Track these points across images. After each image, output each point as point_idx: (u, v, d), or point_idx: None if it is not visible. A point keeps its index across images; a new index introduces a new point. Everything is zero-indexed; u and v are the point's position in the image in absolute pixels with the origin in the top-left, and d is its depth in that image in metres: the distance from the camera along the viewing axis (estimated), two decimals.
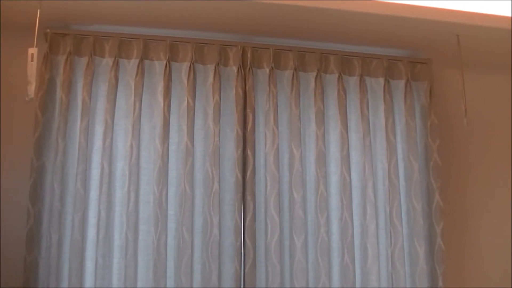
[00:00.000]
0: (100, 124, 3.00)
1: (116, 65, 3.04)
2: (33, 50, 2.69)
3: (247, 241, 3.00)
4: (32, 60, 2.70)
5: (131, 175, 2.92)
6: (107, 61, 3.08)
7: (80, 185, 2.85)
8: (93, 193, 2.94)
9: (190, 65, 3.13)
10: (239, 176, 3.05)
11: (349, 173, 3.20)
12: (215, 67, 3.16)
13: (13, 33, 3.09)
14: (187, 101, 3.07)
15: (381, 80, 3.41)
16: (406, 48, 3.51)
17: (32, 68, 2.66)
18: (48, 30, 3.03)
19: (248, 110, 3.16)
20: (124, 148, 3.00)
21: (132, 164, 2.92)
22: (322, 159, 3.17)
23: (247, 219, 3.03)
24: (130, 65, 3.10)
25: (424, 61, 3.50)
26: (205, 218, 3.01)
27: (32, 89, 2.63)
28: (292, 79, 3.25)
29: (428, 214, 3.32)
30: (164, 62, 3.11)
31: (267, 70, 3.26)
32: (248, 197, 3.05)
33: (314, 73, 3.31)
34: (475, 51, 3.48)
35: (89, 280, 2.87)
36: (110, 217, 2.90)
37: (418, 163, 3.32)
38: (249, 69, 3.21)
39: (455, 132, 3.65)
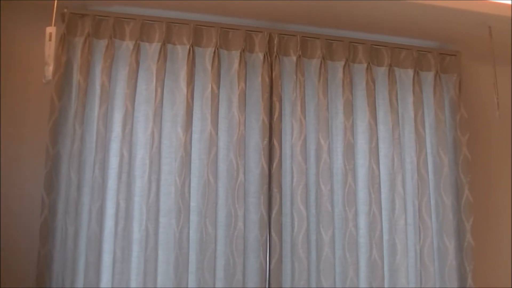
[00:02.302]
0: (120, 110, 2.80)
1: (137, 49, 2.83)
2: (51, 29, 2.48)
3: (273, 235, 2.81)
4: (50, 40, 2.48)
5: (152, 165, 2.73)
6: (128, 44, 2.87)
7: (98, 174, 2.65)
8: (112, 183, 2.74)
9: (215, 50, 2.93)
10: (265, 167, 2.86)
11: (378, 166, 3.02)
12: (240, 53, 2.96)
13: (30, 13, 2.88)
14: (211, 88, 2.87)
15: (410, 72, 3.25)
16: (436, 39, 3.35)
17: (50, 48, 2.44)
18: (66, 10, 2.81)
19: (274, 98, 2.96)
20: (145, 136, 2.81)
21: (153, 153, 2.73)
22: (350, 151, 3.00)
23: (273, 212, 2.84)
24: (151, 49, 2.90)
25: (453, 53, 3.34)
26: (229, 210, 2.82)
27: (50, 70, 2.43)
28: (320, 68, 3.07)
29: (457, 209, 3.16)
30: (188, 47, 2.91)
31: (294, 58, 3.07)
32: (275, 189, 2.86)
33: (342, 62, 3.13)
34: (507, 43, 3.30)
35: (106, 274, 2.67)
36: (129, 208, 2.70)
37: (448, 157, 3.16)
38: (276, 56, 3.02)
39: (485, 126, 3.50)
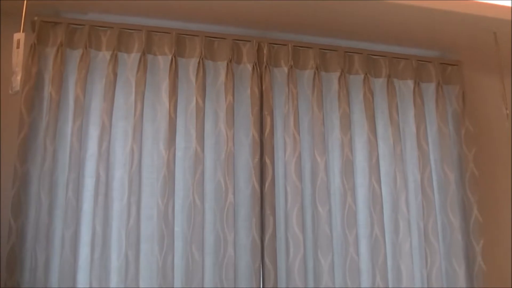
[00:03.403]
0: (96, 126, 2.64)
1: (115, 59, 2.68)
2: (19, 36, 2.33)
3: (267, 262, 2.63)
4: (18, 47, 2.33)
5: (131, 185, 2.55)
6: (104, 54, 2.73)
7: (71, 195, 2.48)
8: (87, 206, 2.56)
9: (199, 61, 2.80)
10: (257, 187, 2.70)
11: (379, 185, 2.88)
12: (227, 64, 2.83)
13: None
14: (196, 101, 2.73)
15: (410, 83, 3.14)
16: (436, 48, 3.26)
17: (18, 56, 2.28)
18: (36, 18, 2.66)
19: (265, 112, 2.82)
20: (124, 154, 2.65)
21: (132, 173, 2.56)
22: (349, 169, 2.85)
23: (267, 236, 2.67)
24: (130, 60, 2.76)
25: (455, 63, 3.24)
26: (218, 235, 2.65)
27: (18, 80, 2.26)
28: (314, 79, 2.95)
29: (465, 231, 3.02)
30: (170, 57, 2.77)
31: (286, 69, 2.95)
32: (267, 211, 2.70)
33: (337, 73, 3.01)
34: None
35: None
36: (106, 234, 2.52)
37: (454, 174, 3.03)
38: (266, 67, 2.89)
39: (492, 140, 3.38)
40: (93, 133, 2.65)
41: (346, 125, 2.93)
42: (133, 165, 2.59)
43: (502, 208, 3.33)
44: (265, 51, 2.93)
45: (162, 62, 2.81)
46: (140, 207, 2.59)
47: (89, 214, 2.56)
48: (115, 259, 2.56)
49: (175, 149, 2.67)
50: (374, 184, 2.89)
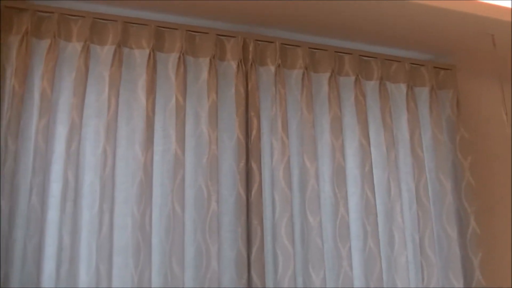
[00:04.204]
0: (64, 124, 2.42)
1: (87, 52, 2.47)
2: None
3: (254, 277, 2.45)
4: None
5: (104, 191, 2.34)
6: (75, 46, 2.51)
7: (35, 202, 2.24)
8: (53, 214, 2.32)
9: (180, 56, 2.61)
10: (242, 194, 2.52)
11: (373, 194, 2.73)
12: (210, 61, 2.65)
13: None
14: (176, 99, 2.54)
15: (403, 86, 3.04)
16: (430, 51, 3.16)
17: None
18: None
19: (251, 113, 2.65)
20: (95, 156, 2.43)
21: (105, 177, 2.35)
22: (341, 176, 2.71)
23: (254, 249, 2.48)
24: (104, 53, 2.55)
25: (448, 67, 3.15)
26: (199, 247, 2.46)
27: None
28: (303, 80, 2.80)
29: (462, 243, 2.90)
30: (147, 51, 2.58)
31: (272, 68, 2.79)
32: (254, 221, 2.51)
33: (327, 74, 2.87)
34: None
35: None
36: (75, 245, 2.29)
37: (450, 183, 2.92)
38: (252, 64, 2.72)
39: (488, 148, 3.28)
40: (61, 132, 2.42)
41: (338, 129, 2.78)
42: (105, 168, 2.37)
43: (500, 219, 3.24)
44: (251, 48, 2.76)
45: (139, 56, 2.62)
46: (113, 216, 2.37)
47: (55, 223, 2.33)
48: (84, 274, 2.33)
49: (152, 151, 2.46)
50: (368, 192, 2.74)
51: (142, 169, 2.43)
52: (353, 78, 2.94)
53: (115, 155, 2.43)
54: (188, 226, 2.50)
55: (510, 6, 2.72)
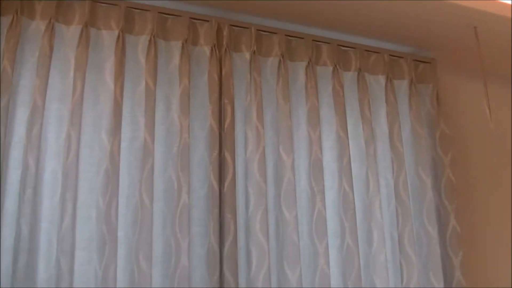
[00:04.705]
0: (25, 106, 2.27)
1: (51, 31, 2.34)
2: None
3: (227, 274, 2.35)
4: None
5: (66, 180, 2.20)
6: (38, 24, 2.38)
7: None
8: (11, 203, 2.17)
9: (150, 38, 2.50)
10: (215, 186, 2.41)
11: (351, 189, 2.66)
12: (182, 45, 2.55)
13: None
14: (146, 83, 2.43)
15: (381, 78, 2.98)
16: (409, 42, 3.10)
17: None
18: None
19: (225, 100, 2.55)
20: (58, 142, 2.29)
21: (68, 164, 2.21)
22: (318, 169, 2.62)
23: (226, 244, 2.38)
24: (69, 33, 2.42)
25: (428, 60, 3.11)
26: (168, 242, 2.34)
27: None
28: (279, 68, 2.72)
29: (442, 242, 2.85)
30: (116, 33, 2.46)
31: (247, 55, 2.70)
32: (228, 215, 2.41)
33: (304, 63, 2.80)
34: (496, 48, 3.08)
35: None
36: (34, 238, 2.15)
37: (431, 179, 2.87)
38: (226, 50, 2.63)
39: (469, 144, 3.26)
40: (22, 115, 2.27)
41: (315, 120, 2.70)
42: (69, 155, 2.23)
43: (481, 216, 3.21)
44: (225, 33, 2.67)
45: (107, 37, 2.50)
46: (76, 206, 2.23)
47: (13, 213, 2.17)
48: (43, 269, 2.18)
49: (120, 138, 2.34)
50: (346, 187, 2.66)
51: (108, 157, 2.30)
52: (330, 68, 2.87)
53: (80, 141, 2.29)
54: (157, 219, 2.38)
55: None
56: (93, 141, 2.37)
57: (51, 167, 2.28)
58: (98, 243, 2.23)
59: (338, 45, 2.93)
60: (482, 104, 2.89)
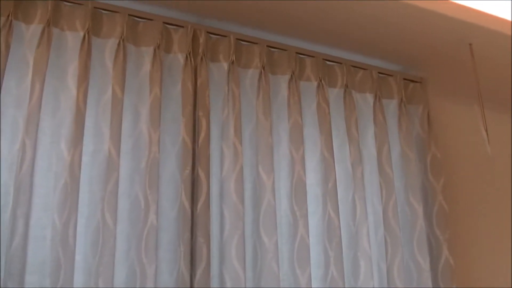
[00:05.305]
0: None
1: (9, 28, 2.14)
2: None
3: None
4: None
5: (18, 194, 1.99)
6: None
7: None
8: None
9: (119, 42, 2.32)
10: (187, 207, 2.21)
11: (337, 214, 2.48)
12: (154, 51, 2.37)
13: None
14: (113, 91, 2.24)
15: (369, 97, 2.84)
16: (399, 60, 2.99)
17: None
18: None
19: (200, 113, 2.38)
20: (11, 152, 2.08)
21: (21, 177, 2.00)
22: (301, 192, 2.45)
23: (198, 272, 2.18)
24: (29, 32, 2.23)
25: (418, 79, 2.99)
26: (133, 268, 2.13)
27: None
28: (259, 81, 2.56)
29: (434, 275, 2.70)
30: (81, 34, 2.28)
31: (225, 65, 2.53)
32: (200, 239, 2.21)
33: (286, 77, 2.64)
34: (492, 67, 2.96)
35: None
36: None
37: (422, 207, 2.71)
38: (202, 58, 2.46)
39: (463, 170, 3.13)
40: None
41: (298, 138, 2.53)
42: (22, 167, 2.02)
43: (476, 248, 3.06)
44: (201, 41, 2.50)
45: (72, 39, 2.30)
46: (29, 225, 2.02)
47: None
48: None
49: (81, 150, 2.13)
50: (331, 212, 2.49)
51: (67, 170, 2.09)
52: (315, 83, 2.72)
53: (36, 151, 2.08)
54: (120, 242, 2.17)
55: (491, 13, 2.58)
56: (50, 152, 2.15)
57: (2, 179, 2.05)
58: (52, 267, 2.01)
59: (324, 59, 2.78)
60: (478, 126, 2.78)
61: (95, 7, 2.36)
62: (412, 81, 3.01)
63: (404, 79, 2.99)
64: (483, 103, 2.87)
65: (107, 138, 2.21)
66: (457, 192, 3.09)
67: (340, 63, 2.83)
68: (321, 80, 2.71)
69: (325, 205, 2.52)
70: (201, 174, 2.30)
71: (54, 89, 2.23)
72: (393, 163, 2.81)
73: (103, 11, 2.39)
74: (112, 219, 2.11)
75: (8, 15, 2.20)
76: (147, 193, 2.20)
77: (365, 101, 2.87)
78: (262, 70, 2.59)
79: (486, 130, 2.49)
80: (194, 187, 2.31)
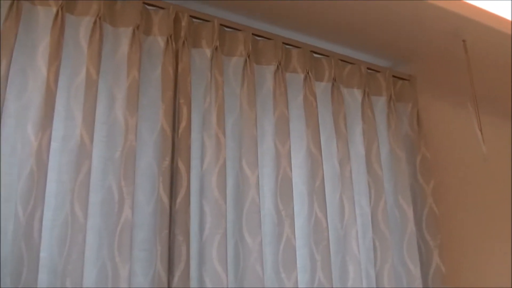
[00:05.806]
0: None
1: None
2: None
3: None
4: None
5: None
6: None
7: None
8: None
9: (95, 20, 2.14)
10: (165, 201, 2.04)
11: (324, 215, 2.34)
12: (133, 31, 2.20)
13: None
14: (87, 71, 2.06)
15: (357, 92, 2.73)
16: (388, 56, 2.89)
17: None
18: None
19: (180, 100, 2.22)
20: None
21: None
22: (287, 189, 2.31)
23: (177, 274, 2.01)
24: None
25: (406, 77, 2.90)
26: (104, 267, 1.95)
27: None
28: (244, 69, 2.42)
29: (424, 282, 2.59)
30: (54, 10, 2.09)
31: (208, 51, 2.38)
32: (179, 238, 2.04)
33: (272, 67, 2.51)
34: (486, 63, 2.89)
35: None
36: None
37: (412, 209, 2.60)
38: (184, 43, 2.31)
39: (454, 171, 3.05)
40: None
41: (284, 132, 2.39)
42: None
43: (468, 254, 2.97)
44: (183, 24, 2.34)
45: (43, 15, 2.11)
46: None
47: None
48: None
49: (50, 135, 1.94)
50: (318, 213, 2.34)
51: (34, 156, 1.89)
52: (302, 75, 2.58)
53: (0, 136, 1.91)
54: (91, 238, 1.98)
55: (486, 9, 2.50)
56: (15, 136, 1.95)
57: None
58: (14, 264, 1.80)
59: (311, 51, 2.66)
60: (470, 127, 2.69)
61: None
62: (401, 78, 2.91)
63: (394, 76, 2.88)
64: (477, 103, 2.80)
65: (79, 123, 2.01)
66: (448, 195, 3.00)
67: (328, 56, 2.70)
68: (308, 72, 2.59)
69: (312, 205, 2.38)
70: (181, 166, 2.13)
71: (21, 67, 2.02)
72: (382, 162, 2.69)
73: None
74: (83, 212, 1.92)
75: None
76: (121, 185, 2.02)
77: (353, 96, 2.75)
78: (247, 59, 2.44)
79: (481, 130, 2.40)
80: (173, 180, 2.13)
